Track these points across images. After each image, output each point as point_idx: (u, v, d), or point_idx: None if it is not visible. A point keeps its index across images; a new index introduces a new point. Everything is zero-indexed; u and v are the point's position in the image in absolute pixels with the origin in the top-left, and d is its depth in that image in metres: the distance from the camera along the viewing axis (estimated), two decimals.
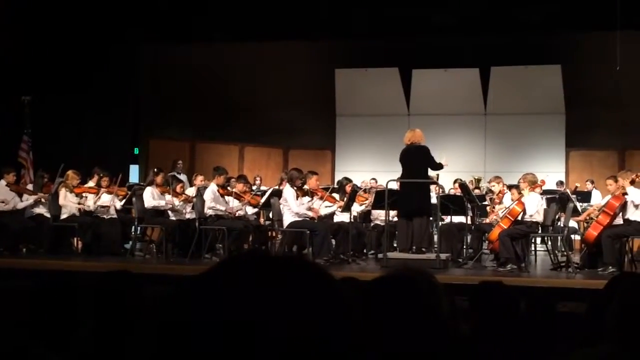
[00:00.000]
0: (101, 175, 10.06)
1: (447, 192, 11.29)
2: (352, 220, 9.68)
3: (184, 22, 13.35)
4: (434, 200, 9.56)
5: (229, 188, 10.03)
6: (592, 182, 13.00)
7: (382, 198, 9.12)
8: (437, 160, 9.05)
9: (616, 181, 8.68)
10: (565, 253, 9.44)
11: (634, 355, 1.56)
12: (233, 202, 9.81)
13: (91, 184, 10.14)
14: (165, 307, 0.73)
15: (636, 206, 8.43)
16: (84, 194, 9.92)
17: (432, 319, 2.03)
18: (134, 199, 9.93)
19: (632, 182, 8.56)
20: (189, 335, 0.69)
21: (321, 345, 0.68)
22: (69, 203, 9.80)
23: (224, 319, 0.68)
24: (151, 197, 9.65)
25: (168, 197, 9.81)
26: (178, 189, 10.11)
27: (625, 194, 8.46)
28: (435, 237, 9.66)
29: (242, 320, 0.68)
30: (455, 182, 11.33)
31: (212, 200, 9.44)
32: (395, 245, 9.70)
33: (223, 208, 9.57)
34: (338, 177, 12.67)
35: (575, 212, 9.74)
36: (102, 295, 2.88)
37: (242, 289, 0.70)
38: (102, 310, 2.83)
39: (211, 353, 0.68)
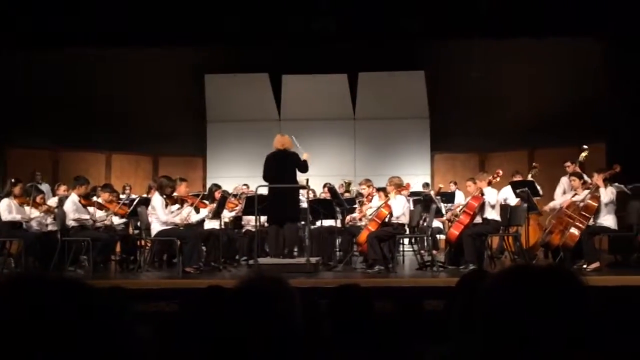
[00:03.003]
0: None
1: (317, 196, 11.43)
2: (222, 226, 9.59)
3: (45, 26, 12.72)
4: (304, 204, 9.64)
5: (93, 198, 9.67)
6: (455, 184, 13.57)
7: (253, 204, 9.11)
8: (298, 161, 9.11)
9: (475, 183, 9.15)
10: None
11: (470, 353, 1.62)
12: (98, 213, 9.47)
13: None
14: None
15: (492, 206, 8.91)
16: None
17: (285, 324, 2.04)
18: None
19: (490, 183, 9.04)
20: None
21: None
22: None
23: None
24: (7, 210, 9.14)
25: (27, 208, 9.33)
26: (38, 199, 9.63)
27: (483, 194, 8.93)
28: (306, 241, 9.74)
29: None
30: (324, 186, 11.50)
31: (75, 211, 9.08)
32: (267, 250, 9.70)
33: (87, 217, 9.22)
34: (210, 183, 12.52)
35: (439, 213, 10.13)
36: None
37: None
38: None
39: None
